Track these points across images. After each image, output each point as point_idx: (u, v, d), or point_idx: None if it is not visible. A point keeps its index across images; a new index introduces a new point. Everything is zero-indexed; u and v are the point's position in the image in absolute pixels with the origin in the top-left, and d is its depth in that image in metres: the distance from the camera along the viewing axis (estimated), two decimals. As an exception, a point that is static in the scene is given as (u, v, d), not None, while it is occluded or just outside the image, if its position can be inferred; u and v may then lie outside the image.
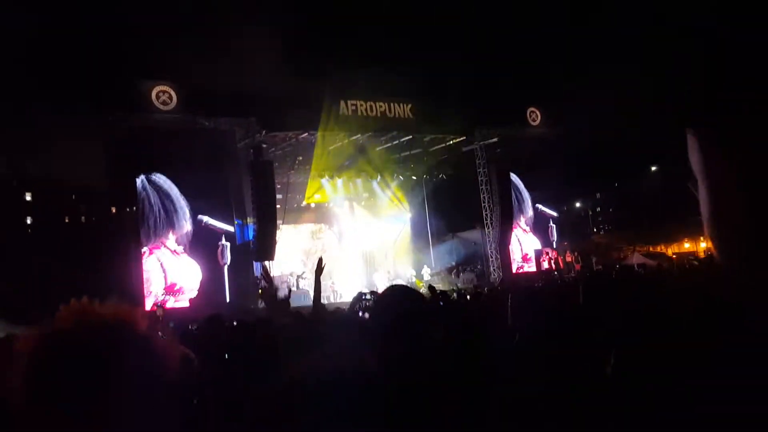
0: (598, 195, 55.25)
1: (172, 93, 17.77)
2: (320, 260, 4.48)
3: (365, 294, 7.65)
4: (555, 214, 25.73)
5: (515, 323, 4.86)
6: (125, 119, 17.30)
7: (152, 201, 17.79)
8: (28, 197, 39.10)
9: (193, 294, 17.91)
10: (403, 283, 23.09)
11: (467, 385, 2.56)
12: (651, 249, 38.12)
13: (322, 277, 4.35)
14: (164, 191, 17.95)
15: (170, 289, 17.60)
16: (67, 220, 37.85)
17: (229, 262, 18.41)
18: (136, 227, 17.69)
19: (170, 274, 17.69)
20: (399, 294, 2.30)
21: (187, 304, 17.63)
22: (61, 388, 1.12)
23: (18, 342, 1.17)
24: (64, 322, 1.20)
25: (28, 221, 38.88)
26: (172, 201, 18.00)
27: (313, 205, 23.95)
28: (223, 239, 18.48)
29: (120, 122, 17.29)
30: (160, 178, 17.94)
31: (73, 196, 36.45)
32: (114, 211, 22.83)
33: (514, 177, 24.07)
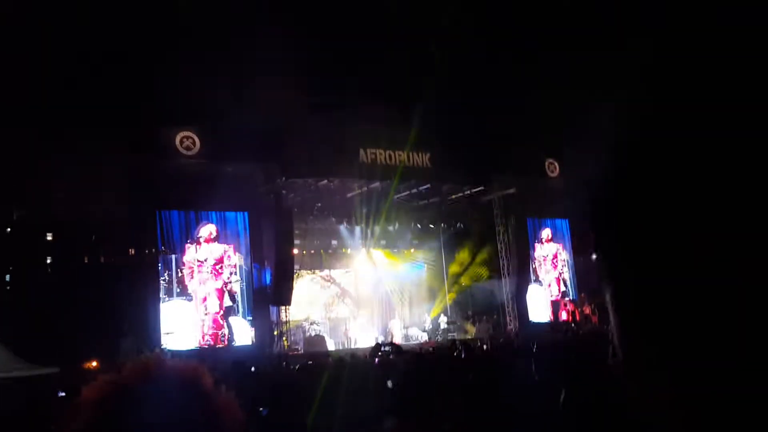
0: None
1: (196, 138, 18.13)
2: None
3: (385, 345, 7.71)
4: (572, 264, 25.56)
5: (542, 377, 4.86)
6: (149, 164, 17.67)
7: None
8: (49, 237, 39.55)
9: (200, 337, 17.87)
10: (419, 331, 22.99)
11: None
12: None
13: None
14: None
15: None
16: (86, 261, 38.15)
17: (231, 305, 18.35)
18: (155, 269, 17.88)
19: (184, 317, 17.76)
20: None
21: (195, 345, 17.56)
22: None
23: (86, 389, 1.20)
24: (131, 374, 1.23)
25: (48, 261, 39.25)
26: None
27: (330, 251, 24.06)
28: (231, 282, 18.50)
29: (143, 167, 17.67)
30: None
31: (93, 237, 36.81)
32: (132, 252, 23.07)
33: (531, 226, 24.11)
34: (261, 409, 3.59)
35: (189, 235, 18.14)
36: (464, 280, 25.56)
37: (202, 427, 1.18)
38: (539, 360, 4.90)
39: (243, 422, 1.30)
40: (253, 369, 9.95)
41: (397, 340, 20.27)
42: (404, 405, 2.10)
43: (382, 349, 6.77)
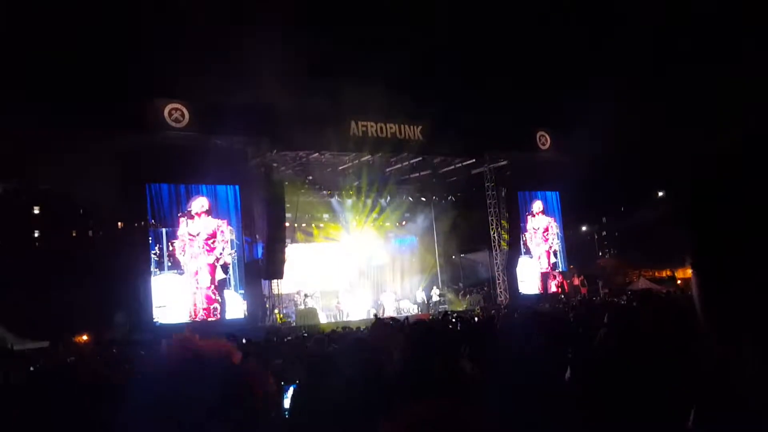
0: (603, 219, 55.45)
1: (185, 110, 17.86)
2: None
3: (385, 320, 7.69)
4: (562, 236, 25.66)
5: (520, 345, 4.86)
6: (138, 136, 17.43)
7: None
8: (36, 210, 39.25)
9: (192, 310, 17.79)
10: (410, 304, 23.05)
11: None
12: (657, 274, 37.98)
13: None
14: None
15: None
16: (74, 234, 37.95)
17: (224, 278, 18.27)
18: (145, 242, 17.70)
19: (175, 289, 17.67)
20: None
21: (187, 319, 17.48)
22: (164, 408, 1.27)
23: (140, 364, 1.35)
24: (170, 352, 1.36)
25: (36, 234, 38.98)
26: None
27: (321, 224, 24.00)
28: (223, 256, 18.39)
29: (132, 139, 17.42)
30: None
31: (81, 210, 36.56)
32: (120, 226, 22.88)
33: (522, 198, 24.15)
34: (283, 383, 3.54)
35: (180, 208, 17.98)
36: (455, 253, 25.64)
37: (236, 397, 1.31)
38: (540, 334, 4.88)
39: (273, 391, 1.45)
40: (244, 341, 10.00)
41: (389, 313, 20.33)
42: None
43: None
